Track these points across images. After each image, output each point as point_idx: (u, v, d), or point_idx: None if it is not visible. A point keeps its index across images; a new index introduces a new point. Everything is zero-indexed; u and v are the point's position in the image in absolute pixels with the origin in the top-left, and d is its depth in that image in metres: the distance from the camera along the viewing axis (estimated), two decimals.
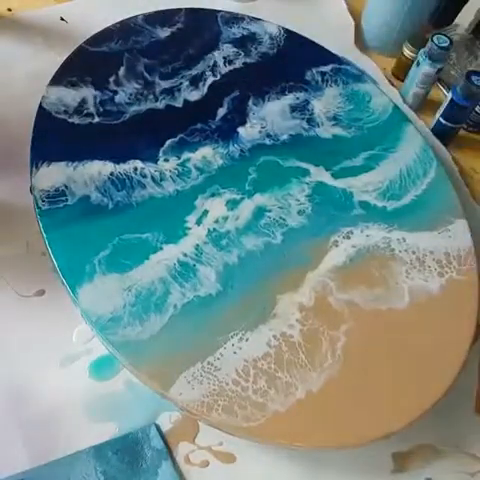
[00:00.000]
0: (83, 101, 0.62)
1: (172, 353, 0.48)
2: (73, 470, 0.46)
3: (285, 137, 0.64)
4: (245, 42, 0.71)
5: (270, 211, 0.58)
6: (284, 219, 0.57)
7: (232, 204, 0.57)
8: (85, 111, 0.61)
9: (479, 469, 0.52)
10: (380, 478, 0.50)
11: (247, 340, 0.49)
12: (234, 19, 0.73)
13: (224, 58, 0.69)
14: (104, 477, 0.46)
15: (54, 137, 0.59)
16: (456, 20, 0.83)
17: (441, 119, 0.71)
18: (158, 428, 0.50)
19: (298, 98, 0.67)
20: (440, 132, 0.72)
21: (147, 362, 0.47)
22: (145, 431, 0.49)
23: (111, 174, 0.57)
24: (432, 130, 0.72)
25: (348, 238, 0.57)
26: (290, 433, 0.46)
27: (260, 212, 0.57)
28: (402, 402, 0.48)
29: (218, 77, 0.67)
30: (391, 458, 0.51)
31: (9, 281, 0.55)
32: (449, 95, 0.68)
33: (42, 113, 0.60)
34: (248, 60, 0.70)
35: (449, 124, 0.70)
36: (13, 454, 0.47)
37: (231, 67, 0.69)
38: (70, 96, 0.62)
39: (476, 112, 0.73)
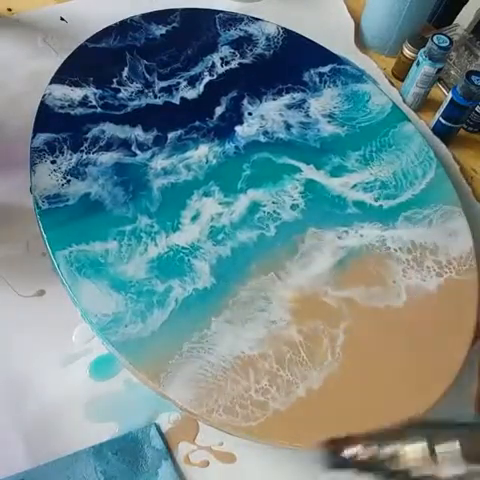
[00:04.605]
0: (85, 97, 0.62)
1: (172, 352, 0.48)
2: (73, 470, 0.46)
3: (280, 135, 0.64)
4: (241, 43, 0.71)
5: (265, 206, 0.58)
6: (278, 213, 0.57)
7: (227, 199, 0.58)
8: (88, 104, 0.62)
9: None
10: (380, 478, 0.50)
11: (246, 338, 0.49)
12: (232, 20, 0.74)
13: (221, 59, 0.69)
14: (104, 477, 0.46)
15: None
16: (456, 20, 0.83)
17: (441, 119, 0.71)
18: (158, 428, 0.50)
19: (295, 98, 0.67)
20: (440, 132, 0.72)
21: (147, 362, 0.47)
22: (145, 431, 0.49)
23: (110, 169, 0.58)
24: (432, 130, 0.72)
25: (342, 238, 0.57)
26: (290, 433, 0.46)
27: (255, 207, 0.58)
28: (402, 402, 0.48)
29: (215, 77, 0.68)
30: None
31: (9, 281, 0.55)
32: (449, 95, 0.68)
33: (44, 110, 0.60)
34: (244, 61, 0.70)
35: (449, 124, 0.70)
36: (13, 454, 0.47)
37: (227, 67, 0.69)
38: (71, 94, 0.62)
39: (476, 112, 0.73)
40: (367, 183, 0.61)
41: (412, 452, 0.33)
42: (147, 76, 0.66)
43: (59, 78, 0.63)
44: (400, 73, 0.78)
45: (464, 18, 0.82)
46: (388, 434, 0.35)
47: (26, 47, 0.72)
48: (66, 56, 0.66)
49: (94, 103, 0.62)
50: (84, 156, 0.58)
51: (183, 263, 0.53)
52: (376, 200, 0.60)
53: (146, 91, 0.65)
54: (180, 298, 0.51)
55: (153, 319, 0.49)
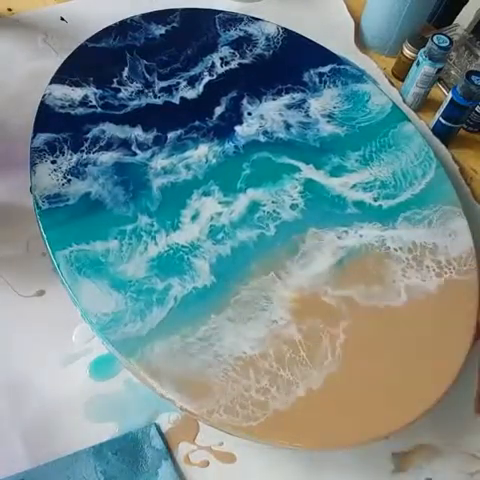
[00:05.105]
0: (85, 97, 0.62)
1: (172, 351, 0.48)
2: (73, 470, 0.46)
3: (280, 134, 0.64)
4: (241, 43, 0.71)
5: (264, 205, 0.58)
6: (278, 213, 0.58)
7: (227, 199, 0.58)
8: (89, 104, 0.62)
9: (479, 469, 0.52)
10: (380, 478, 0.50)
11: (246, 337, 0.49)
12: (232, 20, 0.74)
13: (221, 59, 0.69)
14: (104, 477, 0.46)
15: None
16: (456, 20, 0.83)
17: (441, 119, 0.71)
18: (158, 428, 0.50)
19: (294, 98, 0.67)
20: (440, 132, 0.72)
21: (146, 361, 0.47)
22: (145, 431, 0.49)
23: (110, 169, 0.58)
24: (432, 130, 0.72)
25: (342, 238, 0.57)
26: (290, 433, 0.46)
27: (255, 206, 0.58)
28: (402, 402, 0.48)
29: (214, 77, 0.68)
30: (391, 458, 0.51)
31: (9, 281, 0.55)
32: (449, 95, 0.68)
33: (44, 110, 0.60)
34: (244, 61, 0.70)
35: (449, 124, 0.70)
36: (13, 454, 0.47)
37: (227, 67, 0.69)
38: (72, 94, 0.62)
39: (476, 112, 0.73)
40: (367, 183, 0.61)
41: None
42: (147, 76, 0.66)
43: (59, 78, 0.63)
44: (400, 73, 0.78)
45: (464, 18, 0.82)
46: None
47: (26, 47, 0.72)
48: (66, 56, 0.66)
49: (94, 103, 0.62)
50: (84, 156, 0.58)
51: (183, 262, 0.53)
52: (376, 200, 0.60)
53: (146, 91, 0.65)
54: (179, 296, 0.51)
55: (152, 317, 0.49)
